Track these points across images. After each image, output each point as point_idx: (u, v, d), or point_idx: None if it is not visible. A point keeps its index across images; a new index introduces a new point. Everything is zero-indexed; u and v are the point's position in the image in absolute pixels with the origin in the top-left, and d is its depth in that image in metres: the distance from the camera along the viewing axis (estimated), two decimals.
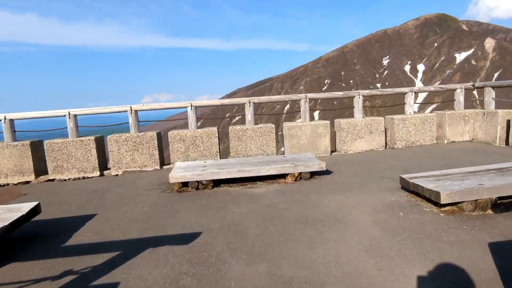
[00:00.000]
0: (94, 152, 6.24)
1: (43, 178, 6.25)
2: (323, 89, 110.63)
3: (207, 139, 6.41)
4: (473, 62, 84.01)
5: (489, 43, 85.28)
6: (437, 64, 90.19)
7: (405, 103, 6.94)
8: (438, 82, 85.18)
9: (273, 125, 6.62)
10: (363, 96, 6.76)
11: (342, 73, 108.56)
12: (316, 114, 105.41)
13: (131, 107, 6.39)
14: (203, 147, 6.41)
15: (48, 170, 6.20)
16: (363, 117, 6.79)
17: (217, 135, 6.47)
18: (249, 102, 6.64)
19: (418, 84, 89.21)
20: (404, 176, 3.72)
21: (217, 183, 4.66)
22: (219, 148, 6.55)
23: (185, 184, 4.59)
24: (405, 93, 6.89)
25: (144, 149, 6.32)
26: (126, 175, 6.12)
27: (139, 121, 6.50)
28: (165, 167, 6.48)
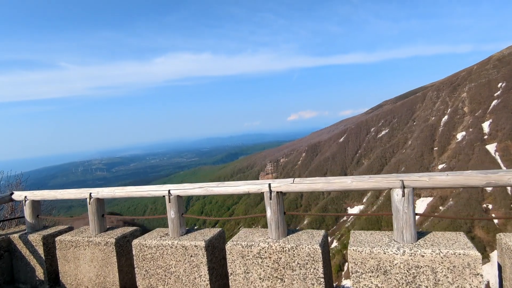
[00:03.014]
0: (204, 270, 3.12)
1: None
2: (495, 94, 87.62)
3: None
4: None
5: None
6: None
7: None
8: None
9: None
10: None
11: None
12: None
13: (270, 184, 3.01)
14: None
15: None
16: None
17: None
18: None
19: None
20: None
21: None
22: None
23: None
24: None
25: (294, 279, 2.80)
26: None
27: (284, 212, 3.05)
28: None
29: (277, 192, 2.97)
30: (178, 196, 3.39)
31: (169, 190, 3.38)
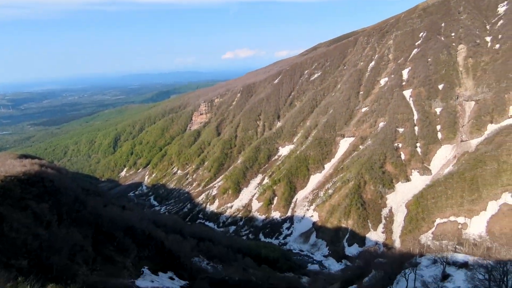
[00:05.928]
0: None
1: None
2: (416, 43, 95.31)
3: None
4: None
5: None
6: None
7: None
8: None
9: None
10: None
11: (442, 24, 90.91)
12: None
13: None
14: None
15: None
16: None
17: None
18: None
19: None
20: None
21: None
22: None
23: None
24: None
25: None
26: None
27: None
28: None
29: None
30: None
31: None
